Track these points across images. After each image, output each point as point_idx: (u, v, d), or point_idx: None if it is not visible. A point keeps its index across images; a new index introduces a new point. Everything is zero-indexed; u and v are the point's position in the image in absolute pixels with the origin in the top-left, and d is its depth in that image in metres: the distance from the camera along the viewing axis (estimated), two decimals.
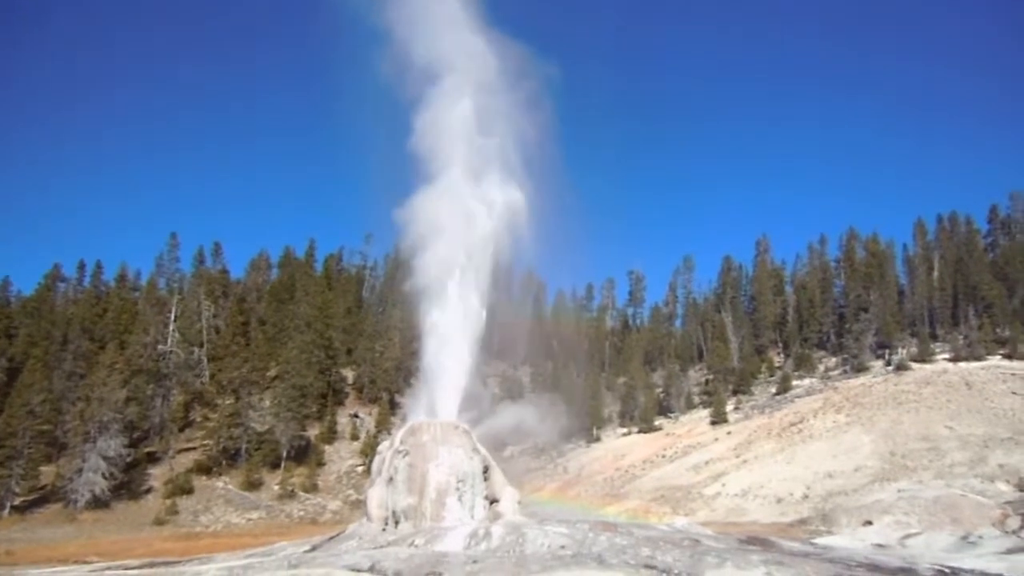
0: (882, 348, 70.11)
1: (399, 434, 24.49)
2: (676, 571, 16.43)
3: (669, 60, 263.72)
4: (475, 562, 16.98)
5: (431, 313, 27.57)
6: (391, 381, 68.96)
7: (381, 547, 19.85)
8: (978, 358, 62.46)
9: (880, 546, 26.95)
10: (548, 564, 16.66)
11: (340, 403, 70.88)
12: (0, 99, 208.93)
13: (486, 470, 23.77)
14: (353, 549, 20.35)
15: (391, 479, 23.08)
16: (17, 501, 48.14)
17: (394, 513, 22.71)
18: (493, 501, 23.58)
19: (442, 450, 23.25)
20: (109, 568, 23.17)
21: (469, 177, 30.01)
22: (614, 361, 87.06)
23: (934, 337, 71.07)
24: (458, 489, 22.85)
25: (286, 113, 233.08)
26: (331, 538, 23.70)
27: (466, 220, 29.15)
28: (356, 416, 68.80)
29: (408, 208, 29.17)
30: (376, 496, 23.24)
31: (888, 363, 66.41)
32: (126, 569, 22.02)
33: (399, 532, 21.84)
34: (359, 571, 15.93)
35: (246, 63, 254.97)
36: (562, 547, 19.00)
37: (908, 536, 28.99)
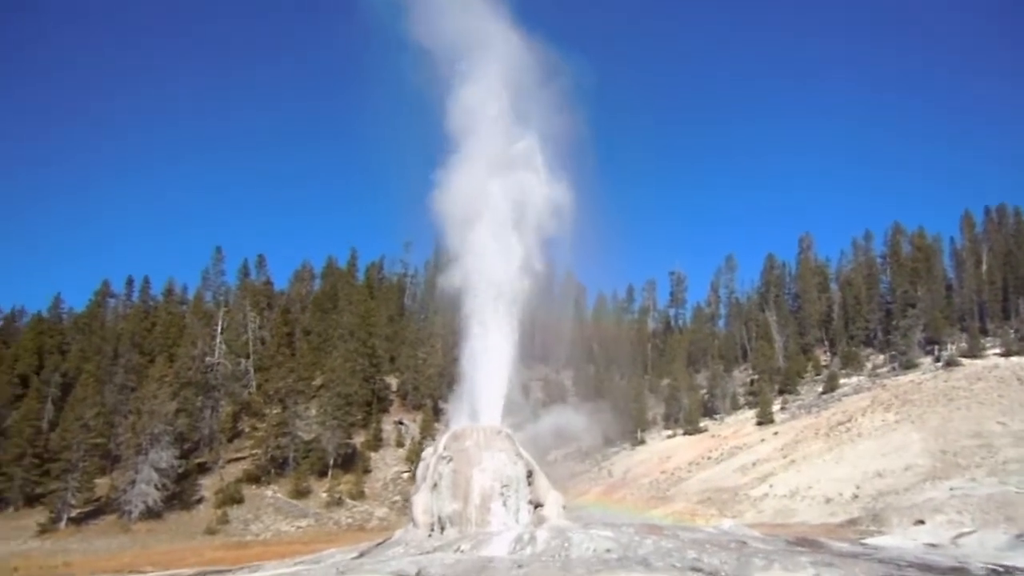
0: (931, 344, 68.80)
1: (442, 440, 24.68)
2: (723, 573, 16.40)
3: (708, 58, 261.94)
4: (520, 567, 17.07)
5: (471, 317, 27.71)
6: (434, 387, 69.34)
7: (427, 553, 20.02)
8: None
9: (932, 545, 26.49)
10: (594, 568, 16.70)
11: (385, 410, 71.44)
12: (49, 119, 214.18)
13: (530, 475, 23.85)
14: (399, 555, 20.55)
15: (435, 485, 23.27)
16: (73, 513, 49.20)
17: (439, 519, 22.89)
18: (537, 505, 23.66)
19: (485, 455, 23.37)
20: None
21: (505, 171, 30.06)
22: (657, 363, 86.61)
23: (984, 332, 69.56)
24: (502, 494, 22.93)
25: (324, 122, 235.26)
26: (378, 544, 23.96)
27: (505, 218, 29.23)
28: (401, 423, 69.30)
29: (444, 204, 29.28)
30: (421, 502, 23.46)
31: (937, 359, 65.16)
32: None
33: (445, 538, 22.01)
34: None
35: (282, 73, 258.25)
36: (607, 551, 19.01)
37: (961, 535, 28.43)
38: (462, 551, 19.73)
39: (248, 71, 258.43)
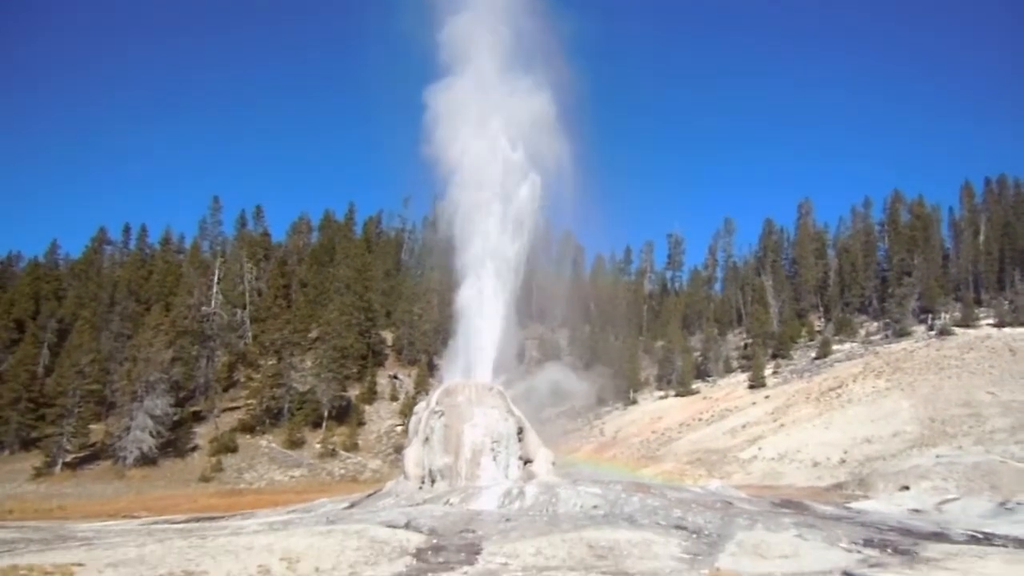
0: (925, 313, 69.06)
1: (435, 395, 24.95)
2: (707, 532, 16.64)
3: (711, 21, 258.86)
4: (508, 520, 17.35)
5: (464, 272, 27.80)
6: (429, 343, 69.63)
7: (417, 505, 20.34)
8: (1023, 323, 61.36)
9: (916, 511, 26.81)
10: (580, 523, 16.96)
11: (380, 364, 71.81)
12: (44, 64, 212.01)
13: (520, 431, 24.14)
14: (390, 506, 20.87)
15: (427, 439, 23.56)
16: (69, 458, 49.68)
17: (430, 472, 23.22)
18: (527, 461, 24.00)
19: (477, 411, 23.66)
20: (156, 522, 23.97)
21: (506, 118, 29.94)
22: (652, 325, 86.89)
23: (979, 302, 69.87)
24: (493, 449, 23.25)
25: (325, 76, 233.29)
26: (369, 495, 24.32)
27: (503, 166, 29.19)
28: (395, 377, 69.72)
29: (442, 149, 29.21)
30: (413, 455, 23.77)
31: (931, 328, 65.49)
32: (172, 523, 22.77)
33: (435, 490, 22.34)
34: (395, 527, 16.33)
35: (282, 25, 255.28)
36: (595, 507, 19.32)
37: (945, 502, 28.77)
38: (451, 504, 20.03)
39: (248, 24, 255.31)
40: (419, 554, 14.15)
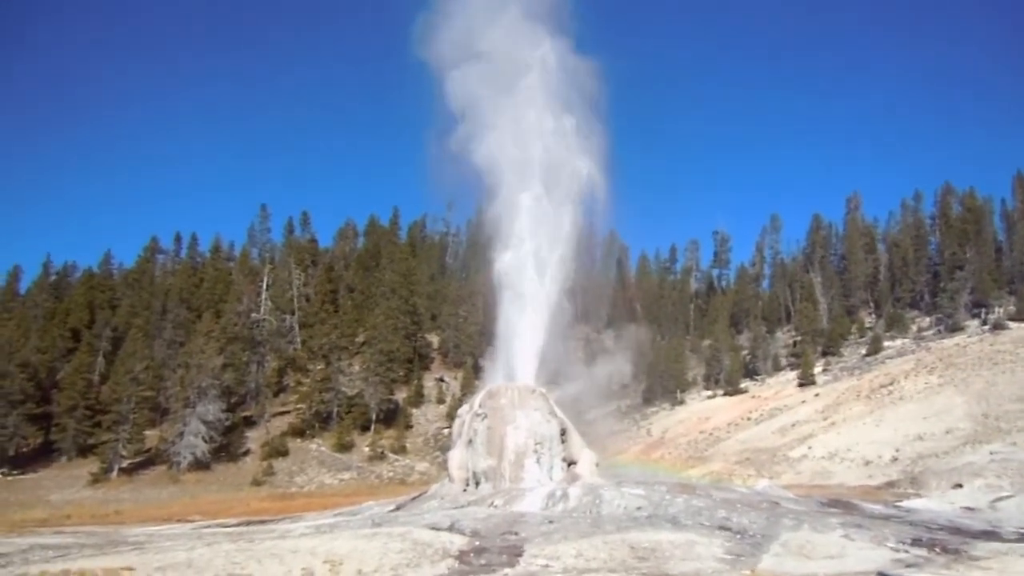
0: (978, 307, 67.51)
1: (478, 398, 25.11)
2: (751, 533, 16.54)
3: (755, 20, 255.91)
4: (551, 522, 17.41)
5: (508, 275, 27.92)
6: (475, 345, 69.93)
7: (461, 507, 20.49)
8: None
9: (969, 509, 26.31)
10: (623, 525, 16.97)
11: (426, 367, 72.41)
12: (94, 75, 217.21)
13: (563, 432, 24.18)
14: (434, 509, 21.06)
15: (470, 441, 23.74)
16: (124, 464, 50.91)
17: (474, 474, 23.38)
18: (571, 463, 24.01)
19: (520, 413, 23.77)
20: (208, 526, 24.47)
21: (549, 119, 30.03)
22: (699, 324, 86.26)
23: None
24: (536, 451, 23.34)
25: (368, 81, 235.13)
26: (414, 498, 24.56)
27: (547, 169, 29.28)
28: (441, 380, 70.20)
29: (485, 155, 29.37)
30: (457, 458, 23.96)
31: (984, 322, 64.03)
32: (223, 527, 23.24)
33: (479, 493, 22.49)
34: (439, 530, 16.50)
35: (325, 33, 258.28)
36: (638, 508, 19.28)
37: (999, 499, 28.16)
38: (495, 506, 20.14)
39: (290, 30, 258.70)
40: (461, 556, 14.29)
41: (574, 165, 30.30)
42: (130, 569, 12.38)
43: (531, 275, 27.44)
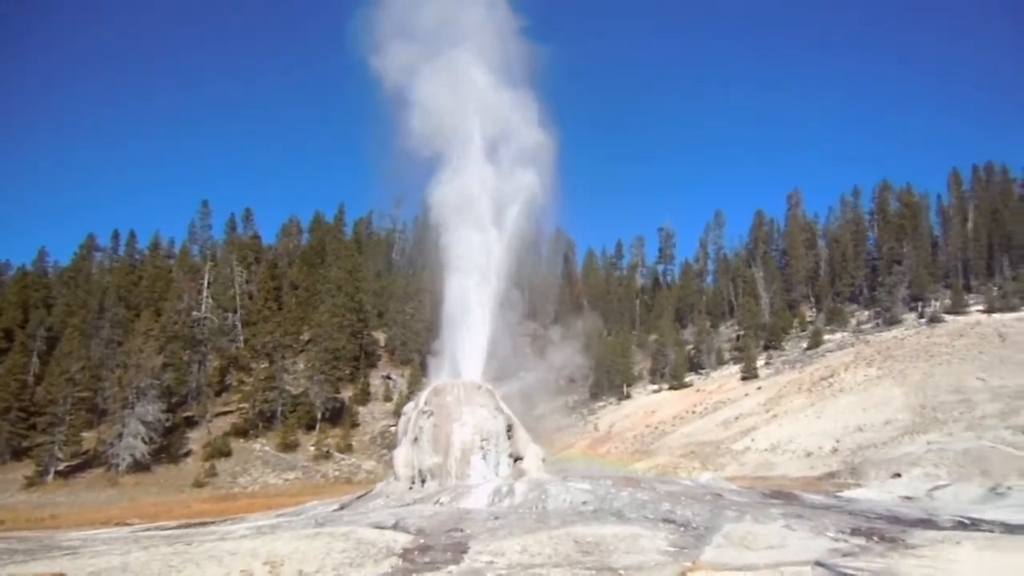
0: (915, 301, 69.28)
1: (423, 395, 24.91)
2: (695, 525, 16.63)
3: (697, 19, 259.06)
4: (497, 518, 17.31)
5: (452, 271, 27.74)
6: (422, 342, 69.33)
7: (406, 505, 20.30)
8: (1012, 309, 61.52)
9: (908, 498, 26.92)
10: (568, 519, 16.95)
11: (372, 365, 71.83)
12: (33, 71, 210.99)
13: (510, 428, 24.10)
14: (379, 507, 20.83)
15: (416, 439, 23.52)
16: (61, 467, 49.54)
17: (420, 472, 23.18)
18: (517, 459, 23.95)
19: (466, 410, 23.62)
20: (148, 529, 23.89)
21: (490, 122, 29.86)
22: (644, 318, 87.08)
23: (968, 289, 70.13)
24: (482, 448, 23.22)
25: (313, 79, 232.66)
26: (359, 497, 24.27)
27: (487, 161, 29.14)
28: (388, 377, 69.68)
29: (427, 146, 29.16)
30: (402, 456, 23.72)
31: (921, 315, 65.72)
32: (162, 530, 22.70)
33: (425, 490, 22.30)
34: (383, 528, 16.29)
35: (270, 33, 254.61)
36: (584, 503, 19.29)
37: (936, 488, 28.91)
38: (441, 503, 19.98)
39: (234, 27, 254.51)
40: (405, 554, 14.10)
41: (523, 153, 30.25)
42: (61, 575, 11.97)
43: (476, 270, 27.28)
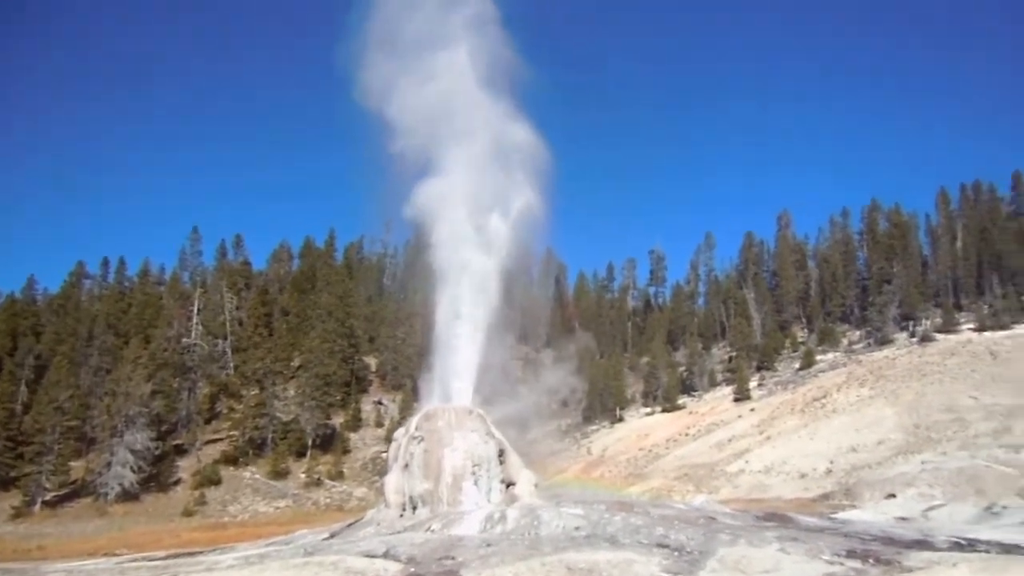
0: (906, 320, 69.39)
1: (414, 420, 24.68)
2: (689, 549, 16.46)
3: (688, 41, 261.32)
4: (489, 545, 17.11)
5: (442, 296, 27.64)
6: (414, 367, 68.93)
7: (397, 532, 20.06)
8: (1003, 327, 61.64)
9: (903, 519, 26.82)
10: (561, 545, 16.76)
11: (364, 391, 71.42)
12: (20, 97, 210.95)
13: (502, 453, 23.89)
14: (370, 536, 20.57)
15: (407, 465, 23.29)
16: (48, 496, 48.83)
17: (411, 499, 22.93)
18: (510, 484, 23.71)
19: (457, 435, 23.41)
20: (135, 560, 23.55)
21: (482, 148, 29.88)
22: (636, 341, 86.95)
23: (959, 307, 70.27)
24: (474, 473, 23.00)
25: (301, 106, 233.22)
26: (349, 525, 24.01)
27: (479, 195, 29.11)
28: (380, 403, 69.27)
29: (421, 184, 29.16)
30: (393, 482, 23.48)
31: (912, 335, 65.78)
32: (150, 560, 22.38)
33: (416, 517, 22.05)
34: (373, 557, 16.09)
35: (259, 59, 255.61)
36: (577, 528, 19.08)
37: (931, 508, 28.80)
38: (432, 530, 19.76)
39: (225, 58, 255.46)
40: None
41: (512, 179, 30.30)
42: None
43: (466, 294, 27.19)
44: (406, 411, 61.08)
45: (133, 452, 49.85)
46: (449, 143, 29.45)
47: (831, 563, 14.93)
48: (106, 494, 48.68)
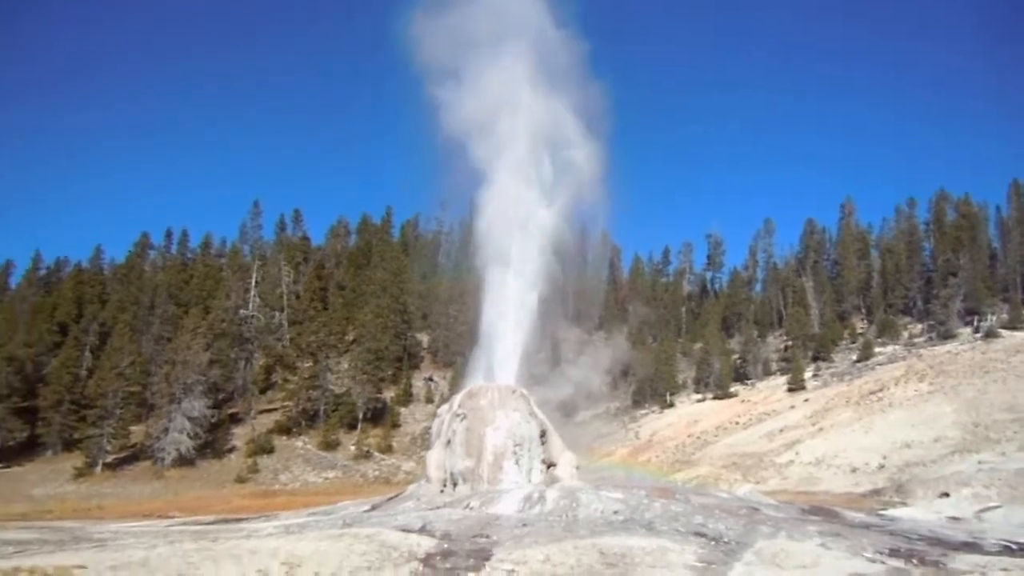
0: (971, 315, 67.28)
1: (457, 398, 24.79)
2: (726, 539, 16.24)
3: (751, 25, 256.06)
4: (525, 525, 17.10)
5: (490, 275, 27.63)
6: (465, 345, 69.34)
7: (436, 508, 20.17)
8: None
9: (954, 519, 26.04)
10: (597, 529, 16.68)
11: (416, 367, 72.07)
12: (87, 71, 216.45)
13: (544, 434, 23.87)
14: (409, 510, 20.74)
15: (449, 442, 23.42)
16: (109, 459, 50.58)
17: (452, 475, 23.07)
18: (551, 465, 23.70)
19: (499, 414, 23.42)
20: (184, 523, 24.16)
21: (534, 128, 29.73)
22: (691, 326, 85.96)
23: None
24: (515, 453, 23.00)
25: (364, 80, 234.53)
26: (390, 498, 24.24)
27: (528, 174, 28.99)
28: (431, 379, 69.85)
29: (472, 151, 29.16)
30: (435, 458, 23.65)
31: (976, 330, 63.81)
32: (198, 524, 22.93)
33: (456, 494, 22.17)
34: (409, 532, 16.18)
35: (318, 32, 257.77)
36: (615, 512, 18.95)
37: (986, 509, 27.89)
38: (471, 508, 19.81)
39: (284, 30, 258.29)
40: (427, 560, 13.95)
41: (568, 159, 30.13)
42: (82, 567, 12.05)
43: (514, 274, 27.13)
44: (456, 388, 61.26)
45: (190, 419, 51.23)
46: (502, 130, 29.34)
47: (872, 561, 14.57)
48: (163, 459, 50.14)
